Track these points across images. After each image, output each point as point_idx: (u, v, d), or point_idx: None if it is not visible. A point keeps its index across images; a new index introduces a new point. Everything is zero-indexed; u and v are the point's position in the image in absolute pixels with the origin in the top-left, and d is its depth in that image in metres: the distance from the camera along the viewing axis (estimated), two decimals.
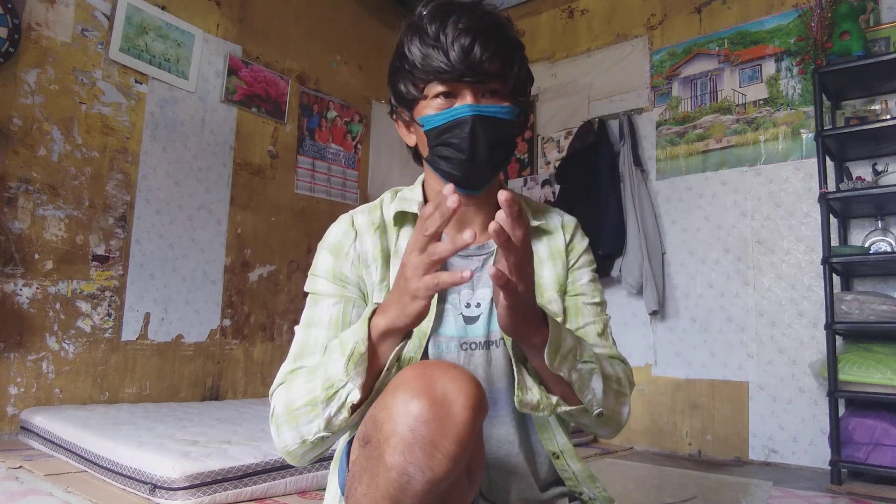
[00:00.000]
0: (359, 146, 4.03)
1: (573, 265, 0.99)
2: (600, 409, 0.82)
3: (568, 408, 0.81)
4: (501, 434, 0.91)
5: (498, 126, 0.86)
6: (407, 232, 0.95)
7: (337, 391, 0.75)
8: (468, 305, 0.91)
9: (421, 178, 0.99)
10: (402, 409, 0.64)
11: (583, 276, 0.99)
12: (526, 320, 0.74)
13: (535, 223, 0.97)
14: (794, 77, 2.94)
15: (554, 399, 0.80)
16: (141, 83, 2.90)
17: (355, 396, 0.74)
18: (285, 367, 0.88)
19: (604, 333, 0.95)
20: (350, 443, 0.79)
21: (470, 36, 0.82)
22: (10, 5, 2.44)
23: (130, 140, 2.86)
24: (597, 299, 0.98)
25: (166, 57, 3.00)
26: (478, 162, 0.86)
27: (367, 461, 0.68)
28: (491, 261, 0.94)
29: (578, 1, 3.81)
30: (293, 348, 0.90)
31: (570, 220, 1.04)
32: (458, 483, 0.69)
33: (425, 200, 0.96)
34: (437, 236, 0.66)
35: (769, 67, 3.02)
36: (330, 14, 3.88)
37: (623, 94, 3.52)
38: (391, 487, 0.64)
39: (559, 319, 0.94)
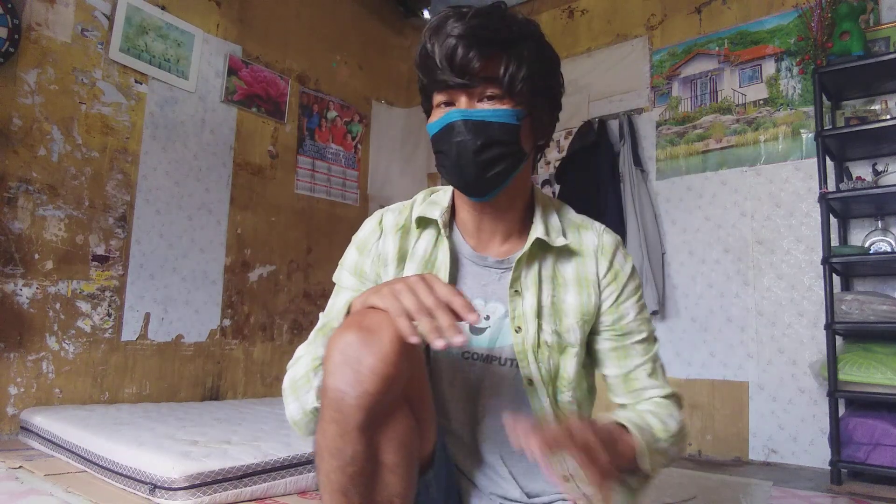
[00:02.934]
0: (359, 146, 4.02)
1: (617, 299, 0.93)
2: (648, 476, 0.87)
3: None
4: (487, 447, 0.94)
5: (488, 130, 0.82)
6: (427, 235, 0.95)
7: (320, 364, 0.80)
8: None
9: None
10: (337, 342, 0.69)
11: (630, 310, 0.93)
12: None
13: (561, 242, 0.92)
14: (794, 77, 2.94)
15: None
16: (141, 83, 2.90)
17: None
18: (300, 349, 0.93)
19: (654, 372, 0.94)
20: None
21: (453, 40, 0.80)
22: (10, 5, 2.44)
23: (130, 140, 2.86)
24: (644, 334, 0.94)
25: (166, 57, 3.00)
26: (465, 168, 0.83)
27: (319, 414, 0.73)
28: (508, 276, 0.90)
29: (578, 1, 3.81)
30: (312, 333, 0.95)
31: (610, 243, 0.95)
32: (397, 417, 0.72)
33: (452, 205, 0.96)
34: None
35: (769, 67, 3.02)
36: (330, 14, 3.88)
37: (623, 94, 3.52)
38: (331, 408, 0.68)
39: (575, 350, 0.91)
